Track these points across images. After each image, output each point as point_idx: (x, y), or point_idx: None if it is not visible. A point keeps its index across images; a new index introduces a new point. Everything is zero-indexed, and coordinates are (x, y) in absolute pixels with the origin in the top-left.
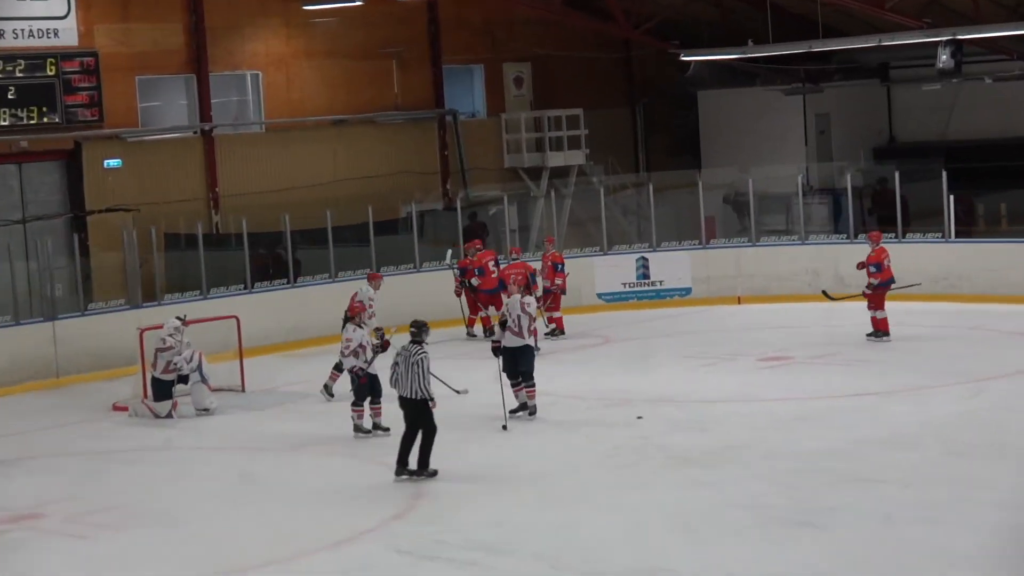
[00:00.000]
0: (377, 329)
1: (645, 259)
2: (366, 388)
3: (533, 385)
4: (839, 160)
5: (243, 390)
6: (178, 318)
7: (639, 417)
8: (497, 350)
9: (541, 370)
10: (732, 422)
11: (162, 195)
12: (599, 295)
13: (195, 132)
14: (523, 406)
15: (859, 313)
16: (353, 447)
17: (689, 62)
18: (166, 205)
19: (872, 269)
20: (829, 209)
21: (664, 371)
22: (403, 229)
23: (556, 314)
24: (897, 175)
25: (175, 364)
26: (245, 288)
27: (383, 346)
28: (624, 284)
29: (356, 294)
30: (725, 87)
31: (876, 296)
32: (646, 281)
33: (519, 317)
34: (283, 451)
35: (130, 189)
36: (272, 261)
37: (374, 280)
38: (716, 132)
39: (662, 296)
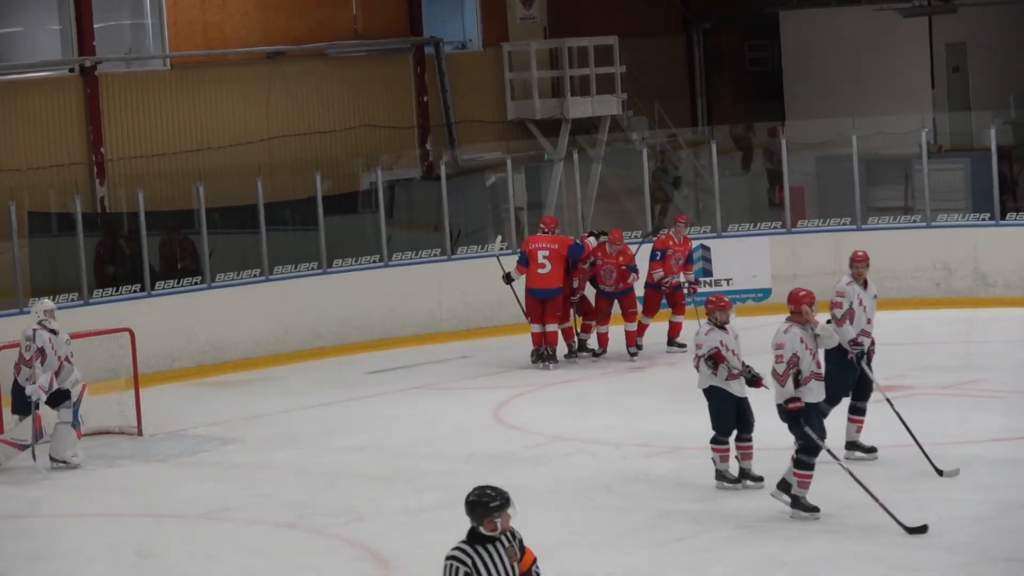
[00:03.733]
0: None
1: (706, 248)
2: (731, 416)
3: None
4: (979, 109)
5: (139, 433)
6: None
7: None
8: (799, 415)
9: (559, 407)
10: (829, 478)
11: (25, 158)
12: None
13: (71, 70)
14: (748, 474)
15: (1009, 324)
16: (295, 514)
17: None
18: (31, 173)
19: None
20: (965, 178)
21: None
22: (365, 206)
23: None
24: None
25: (35, 384)
26: (142, 290)
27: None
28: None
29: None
30: (818, 5)
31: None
32: (707, 279)
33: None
34: (195, 519)
35: None
36: (180, 252)
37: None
38: (805, 69)
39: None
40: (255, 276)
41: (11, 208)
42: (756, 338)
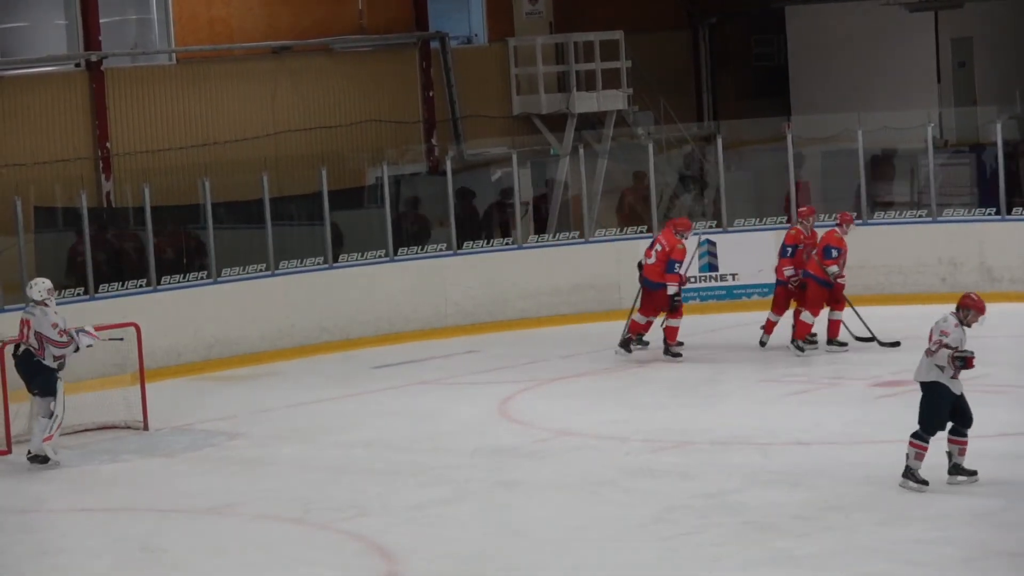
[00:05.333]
0: None
1: (711, 243)
2: (945, 415)
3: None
4: (985, 104)
5: (145, 428)
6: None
7: None
8: None
9: (564, 402)
10: (834, 473)
11: (31, 153)
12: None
13: (77, 65)
14: (962, 469)
15: (1014, 319)
16: (301, 508)
17: None
18: (37, 168)
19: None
20: (971, 173)
21: (737, 401)
22: (371, 201)
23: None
24: None
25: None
26: (148, 285)
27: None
28: None
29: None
30: (825, 1)
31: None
32: (712, 274)
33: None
34: (201, 513)
35: None
36: (186, 246)
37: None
38: (811, 65)
39: (735, 295)
40: (261, 271)
41: (17, 203)
42: (758, 333)
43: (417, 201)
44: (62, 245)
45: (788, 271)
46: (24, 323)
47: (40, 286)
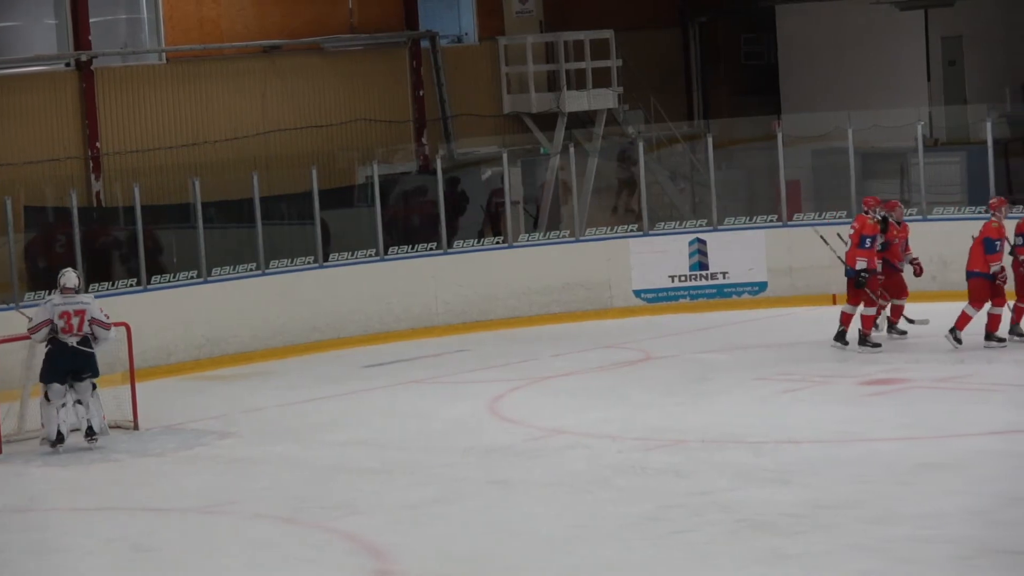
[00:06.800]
0: None
1: (702, 242)
2: None
3: None
4: (975, 102)
5: (136, 427)
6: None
7: None
8: None
9: (556, 400)
10: (826, 471)
11: (20, 152)
12: (637, 293)
13: (67, 64)
14: None
15: (1005, 317)
16: (293, 508)
17: None
18: (26, 167)
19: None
20: (961, 171)
21: (729, 400)
22: (361, 200)
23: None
24: None
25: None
26: (138, 284)
27: None
28: (672, 277)
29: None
30: None
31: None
32: (703, 273)
33: None
34: (192, 513)
35: None
36: (176, 245)
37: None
38: (802, 64)
39: (725, 294)
40: (251, 270)
41: (7, 203)
42: (752, 332)
43: (411, 194)
44: (53, 244)
45: (997, 266)
46: (74, 314)
47: (72, 273)
